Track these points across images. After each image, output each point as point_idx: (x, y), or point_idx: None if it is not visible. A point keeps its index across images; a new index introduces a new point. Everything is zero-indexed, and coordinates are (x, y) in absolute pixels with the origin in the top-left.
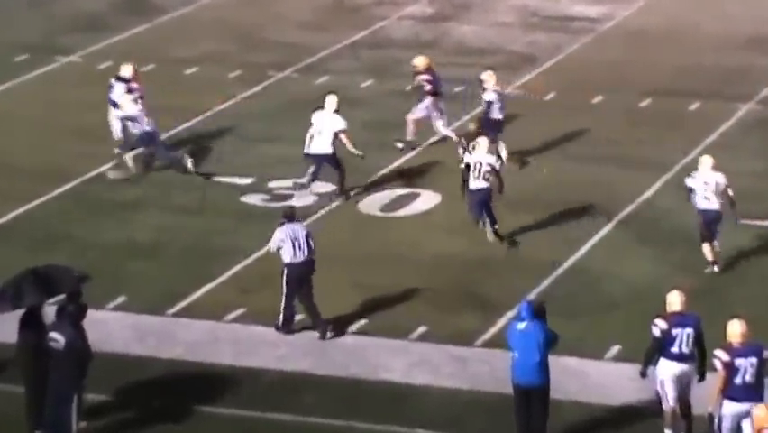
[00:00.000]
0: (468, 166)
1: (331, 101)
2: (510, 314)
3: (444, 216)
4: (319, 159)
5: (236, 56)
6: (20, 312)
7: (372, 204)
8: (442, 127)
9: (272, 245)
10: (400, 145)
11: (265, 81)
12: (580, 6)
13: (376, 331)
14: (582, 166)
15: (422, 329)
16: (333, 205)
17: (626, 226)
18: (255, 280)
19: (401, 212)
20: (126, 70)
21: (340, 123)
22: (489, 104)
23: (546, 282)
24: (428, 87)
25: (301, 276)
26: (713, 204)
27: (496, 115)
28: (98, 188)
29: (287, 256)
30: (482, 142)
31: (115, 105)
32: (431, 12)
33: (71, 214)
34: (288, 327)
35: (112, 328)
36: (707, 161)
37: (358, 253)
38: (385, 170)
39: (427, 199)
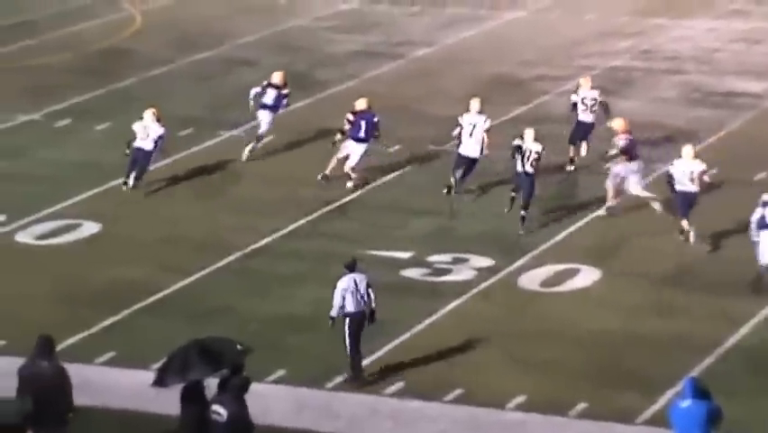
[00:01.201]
0: (519, 149)
1: None
2: (671, 392)
3: (604, 292)
4: None
5: (397, 130)
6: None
7: (532, 279)
8: (636, 188)
9: (336, 297)
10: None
11: (424, 155)
12: (743, 82)
13: (535, 407)
14: (743, 242)
15: (582, 406)
16: (493, 280)
17: None
18: (415, 354)
19: (560, 288)
20: (277, 77)
21: None
22: (574, 105)
23: (709, 360)
24: (622, 144)
25: (361, 325)
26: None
27: (582, 117)
28: (259, 262)
29: (349, 306)
30: (529, 131)
31: (266, 106)
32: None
33: (232, 287)
34: (358, 376)
35: (271, 401)
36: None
37: (517, 328)
38: (546, 245)
39: (587, 275)
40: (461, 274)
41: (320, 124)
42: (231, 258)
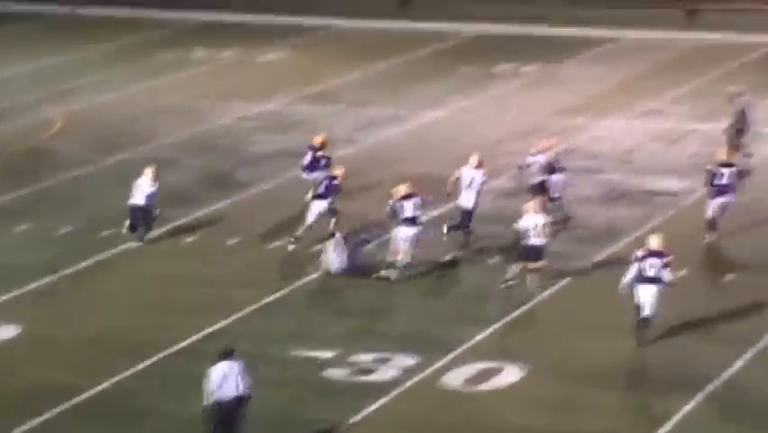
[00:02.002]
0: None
1: None
2: None
3: (529, 389)
4: None
5: (317, 228)
6: None
7: (456, 377)
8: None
9: (212, 384)
10: None
11: None
12: (662, 181)
13: None
14: (664, 339)
15: None
16: (416, 379)
17: (710, 403)
18: None
19: (485, 386)
20: (317, 139)
21: None
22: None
23: None
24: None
25: (230, 411)
26: None
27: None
28: (182, 363)
29: (222, 393)
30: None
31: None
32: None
33: (155, 388)
34: None
35: None
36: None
37: (441, 427)
38: (470, 343)
39: (511, 372)
40: (385, 373)
41: (242, 225)
42: (155, 358)
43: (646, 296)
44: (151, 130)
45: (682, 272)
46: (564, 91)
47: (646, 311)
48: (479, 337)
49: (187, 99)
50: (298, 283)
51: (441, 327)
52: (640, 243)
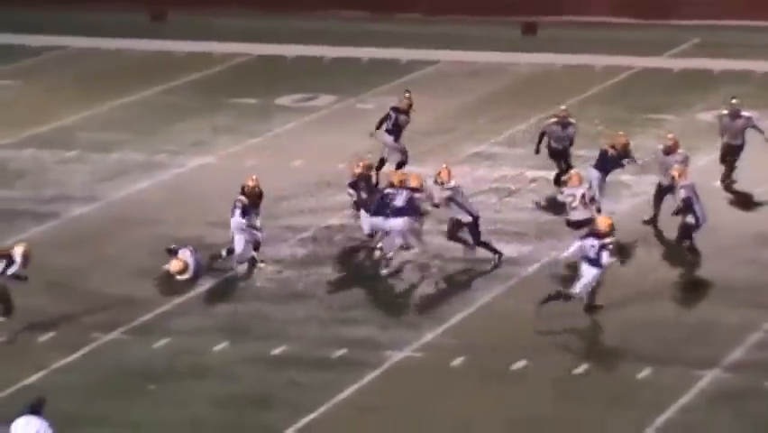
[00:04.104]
0: None
1: None
2: None
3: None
4: None
5: (47, 309)
6: None
7: None
8: None
9: None
10: None
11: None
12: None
13: None
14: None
15: None
16: None
17: None
18: None
19: None
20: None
21: None
22: None
23: None
24: None
25: None
26: None
27: None
28: None
29: None
30: None
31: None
32: None
33: None
34: None
35: None
36: None
37: None
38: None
39: None
40: None
41: None
42: None
43: (583, 274)
44: None
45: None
46: (366, 130)
47: (575, 288)
48: None
49: None
50: None
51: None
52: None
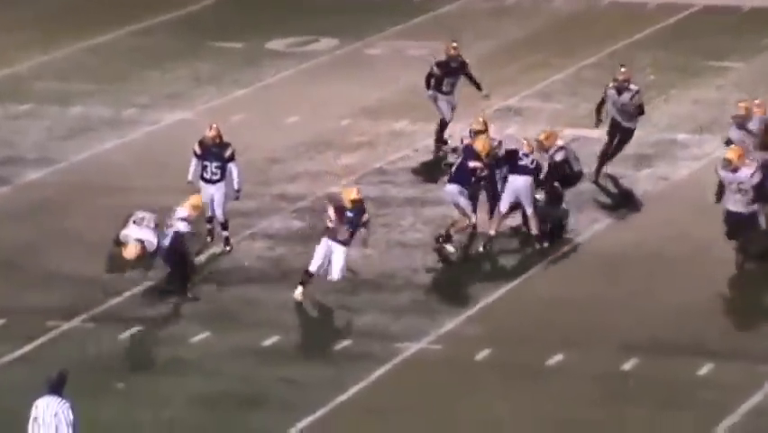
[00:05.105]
0: None
1: None
2: None
3: None
4: None
5: None
6: None
7: None
8: None
9: None
10: None
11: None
12: None
13: None
14: None
15: None
16: None
17: None
18: None
19: None
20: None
21: None
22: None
23: None
24: None
25: None
26: None
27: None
28: None
29: None
30: None
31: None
32: None
33: None
34: None
35: None
36: None
37: None
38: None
39: None
40: None
41: None
42: None
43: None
44: None
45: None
46: (374, 80)
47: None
48: None
49: None
50: None
51: None
52: None
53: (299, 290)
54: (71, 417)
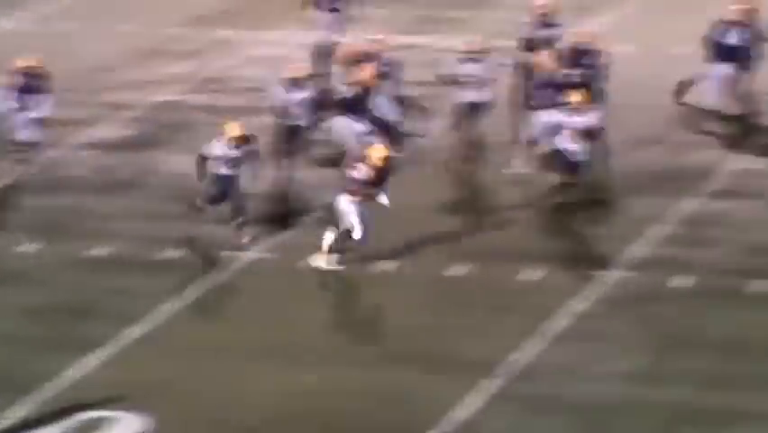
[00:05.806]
0: None
1: None
2: None
3: None
4: None
5: None
6: None
7: None
8: None
9: None
10: None
11: None
12: None
13: None
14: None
15: None
16: None
17: None
18: None
19: None
20: None
21: None
22: None
23: None
24: None
25: None
26: None
27: None
28: None
29: None
30: None
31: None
32: None
33: None
34: None
35: None
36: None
37: None
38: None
39: (129, 426)
40: None
41: None
42: None
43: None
44: None
45: None
46: None
47: None
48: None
49: None
50: None
51: None
52: None
53: (334, 257)
54: None
